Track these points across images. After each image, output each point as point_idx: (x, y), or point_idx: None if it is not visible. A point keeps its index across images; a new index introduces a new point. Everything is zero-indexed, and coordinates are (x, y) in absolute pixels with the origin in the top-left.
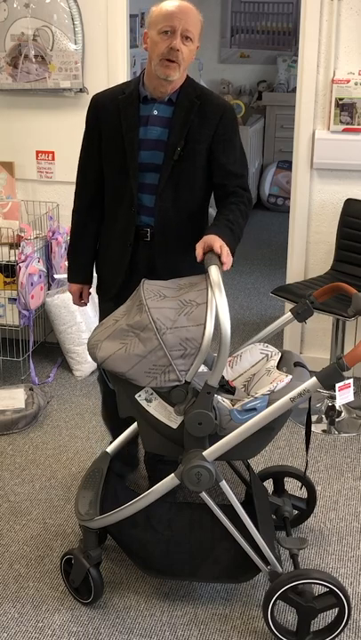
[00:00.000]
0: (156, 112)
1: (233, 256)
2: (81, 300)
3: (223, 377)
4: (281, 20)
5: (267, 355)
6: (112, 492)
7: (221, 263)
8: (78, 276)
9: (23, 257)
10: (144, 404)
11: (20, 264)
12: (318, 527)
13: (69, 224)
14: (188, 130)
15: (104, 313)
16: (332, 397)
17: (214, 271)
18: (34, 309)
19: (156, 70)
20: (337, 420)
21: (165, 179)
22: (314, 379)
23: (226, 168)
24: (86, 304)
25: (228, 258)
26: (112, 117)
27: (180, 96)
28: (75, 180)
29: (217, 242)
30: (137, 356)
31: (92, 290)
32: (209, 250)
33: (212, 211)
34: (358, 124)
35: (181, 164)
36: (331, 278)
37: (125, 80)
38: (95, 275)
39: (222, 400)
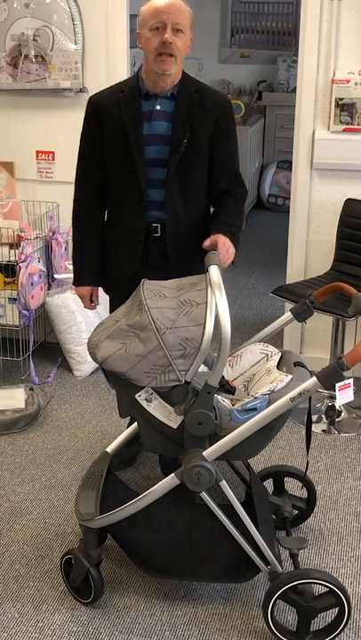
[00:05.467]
0: (159, 107)
1: (235, 257)
2: (91, 302)
3: (223, 377)
4: (281, 19)
5: (267, 354)
6: (112, 492)
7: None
8: (87, 278)
9: (23, 257)
10: (144, 404)
11: (20, 264)
12: (318, 527)
13: (69, 224)
14: (191, 123)
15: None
16: (333, 397)
17: (214, 271)
18: (34, 309)
19: (153, 66)
20: (337, 420)
21: (173, 172)
22: (314, 379)
23: (224, 159)
24: (96, 306)
25: (228, 254)
26: (114, 116)
27: (180, 91)
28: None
29: (221, 238)
30: (137, 356)
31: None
32: (214, 244)
33: None
34: (358, 124)
35: (188, 157)
36: (331, 278)
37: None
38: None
39: (222, 400)
